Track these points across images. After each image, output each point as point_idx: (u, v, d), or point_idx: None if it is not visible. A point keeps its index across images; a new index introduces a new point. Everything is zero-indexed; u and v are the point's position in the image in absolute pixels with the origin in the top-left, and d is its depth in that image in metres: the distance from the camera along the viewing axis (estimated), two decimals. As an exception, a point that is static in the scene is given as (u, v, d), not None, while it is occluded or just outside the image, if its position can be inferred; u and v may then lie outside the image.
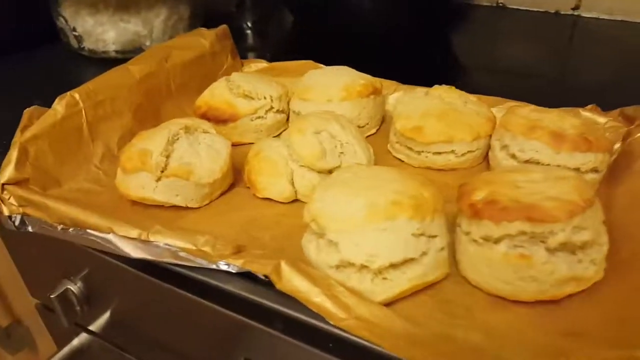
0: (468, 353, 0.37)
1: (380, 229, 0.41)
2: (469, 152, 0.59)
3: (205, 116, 0.64)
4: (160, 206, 0.54)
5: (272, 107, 0.66)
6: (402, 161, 0.62)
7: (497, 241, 0.42)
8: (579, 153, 0.53)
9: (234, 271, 0.42)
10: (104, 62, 0.91)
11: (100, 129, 0.59)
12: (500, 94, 0.68)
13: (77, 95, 0.57)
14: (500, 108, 0.66)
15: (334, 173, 0.49)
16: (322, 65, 0.78)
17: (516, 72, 0.88)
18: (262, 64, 0.82)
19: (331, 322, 0.38)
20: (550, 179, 0.44)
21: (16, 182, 0.51)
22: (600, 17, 1.08)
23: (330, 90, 0.65)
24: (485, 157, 0.61)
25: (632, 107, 0.62)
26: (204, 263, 0.43)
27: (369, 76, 0.68)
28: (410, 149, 0.60)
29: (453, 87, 0.63)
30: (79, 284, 0.61)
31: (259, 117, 0.66)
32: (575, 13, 1.10)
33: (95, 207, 0.50)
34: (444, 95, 0.62)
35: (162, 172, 0.52)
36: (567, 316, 0.42)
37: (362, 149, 0.56)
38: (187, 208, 0.54)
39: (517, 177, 0.45)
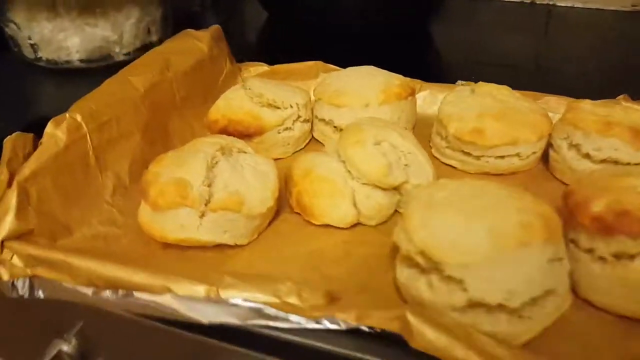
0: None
1: (513, 259, 0.34)
2: (533, 153, 0.54)
3: (225, 131, 0.55)
4: (200, 247, 0.44)
5: (299, 117, 0.58)
6: (455, 168, 0.56)
7: (632, 257, 0.37)
8: (657, 149, 0.49)
9: (344, 328, 0.34)
10: (66, 74, 0.78)
11: (109, 156, 0.48)
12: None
13: (78, 117, 0.45)
14: (540, 103, 0.61)
15: (421, 192, 0.41)
16: (333, 66, 0.70)
17: (496, 64, 0.85)
18: (263, 68, 0.73)
19: (486, 382, 0.31)
20: (669, 182, 0.40)
21: (19, 236, 0.39)
22: (575, 6, 1.08)
23: (367, 93, 0.57)
24: (543, 158, 0.56)
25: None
26: (302, 321, 0.34)
27: (401, 76, 0.61)
28: (467, 154, 0.54)
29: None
30: (73, 342, 0.50)
31: (286, 129, 0.57)
32: (551, 2, 1.09)
33: (122, 257, 0.40)
34: (495, 92, 0.56)
35: (206, 205, 0.42)
36: None
37: (426, 158, 0.49)
38: (234, 246, 0.45)
39: (633, 182, 0.40)
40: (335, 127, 0.58)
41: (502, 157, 0.53)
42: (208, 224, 0.43)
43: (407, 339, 0.32)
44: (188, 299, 0.35)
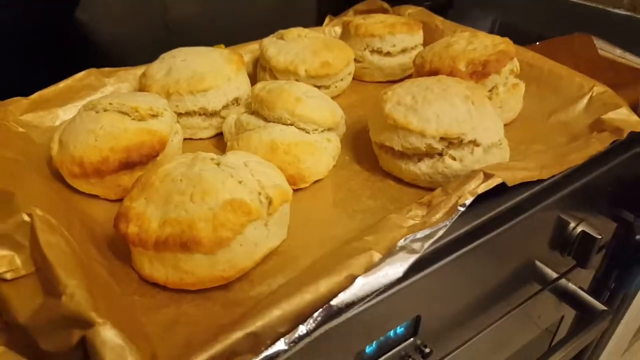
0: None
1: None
2: (349, 74, 0.66)
3: (123, 165, 0.44)
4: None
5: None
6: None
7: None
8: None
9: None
10: None
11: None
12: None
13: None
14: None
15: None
16: (109, 68, 0.60)
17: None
18: (21, 102, 0.55)
19: None
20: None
21: None
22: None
23: (221, 68, 0.55)
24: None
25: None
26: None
27: (219, 48, 0.61)
28: (319, 87, 0.61)
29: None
30: None
31: (175, 133, 0.50)
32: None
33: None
34: (300, 33, 0.64)
35: (269, 206, 0.37)
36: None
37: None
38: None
39: (461, 45, 0.58)
40: (205, 115, 0.55)
41: (342, 79, 0.64)
42: (273, 227, 0.38)
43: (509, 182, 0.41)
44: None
